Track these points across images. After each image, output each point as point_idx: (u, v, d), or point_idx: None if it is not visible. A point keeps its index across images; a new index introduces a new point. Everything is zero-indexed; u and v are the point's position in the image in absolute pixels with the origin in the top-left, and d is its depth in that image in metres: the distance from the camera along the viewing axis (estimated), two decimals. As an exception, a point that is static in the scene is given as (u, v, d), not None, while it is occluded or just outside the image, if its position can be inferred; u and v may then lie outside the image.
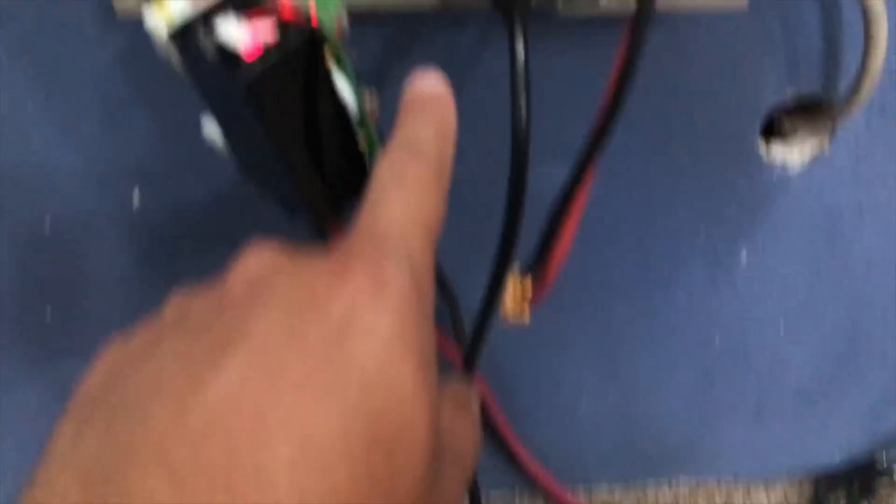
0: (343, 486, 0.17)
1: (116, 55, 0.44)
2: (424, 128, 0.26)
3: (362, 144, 0.36)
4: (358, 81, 0.35)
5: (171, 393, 0.18)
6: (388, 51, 0.46)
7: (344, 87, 0.34)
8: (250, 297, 0.20)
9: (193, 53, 0.32)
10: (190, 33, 0.32)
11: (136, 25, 0.41)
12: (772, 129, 0.55)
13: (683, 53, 0.48)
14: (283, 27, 0.32)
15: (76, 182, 0.49)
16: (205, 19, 0.32)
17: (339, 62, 0.34)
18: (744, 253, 0.59)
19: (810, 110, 0.52)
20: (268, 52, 0.30)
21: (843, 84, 0.50)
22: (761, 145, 0.53)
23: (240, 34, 0.31)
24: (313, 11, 0.33)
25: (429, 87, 0.28)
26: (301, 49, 0.31)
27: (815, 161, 0.54)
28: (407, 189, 0.23)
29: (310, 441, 0.17)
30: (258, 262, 0.22)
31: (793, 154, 0.54)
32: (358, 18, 0.43)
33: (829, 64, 0.49)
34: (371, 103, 0.37)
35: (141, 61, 0.44)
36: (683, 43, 0.47)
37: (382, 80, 0.46)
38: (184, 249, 0.54)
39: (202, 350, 0.19)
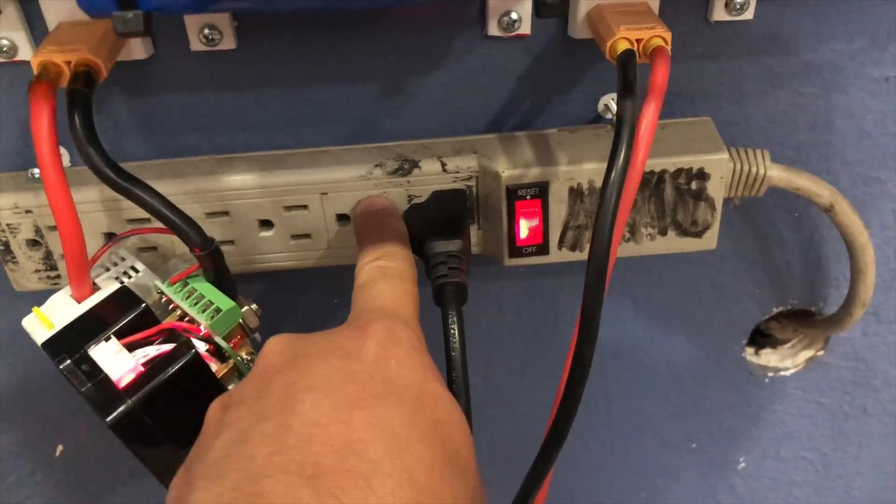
0: (425, 455, 0.22)
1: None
2: (392, 240, 0.31)
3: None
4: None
5: (262, 438, 0.22)
6: (331, 298, 0.42)
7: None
8: (292, 363, 0.25)
9: (67, 369, 0.27)
10: (60, 353, 0.28)
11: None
12: (761, 332, 0.50)
13: (664, 287, 0.44)
14: (169, 352, 0.27)
15: None
16: (82, 332, 0.28)
17: (239, 373, 0.30)
18: (741, 458, 0.54)
19: (802, 316, 0.48)
20: (141, 381, 0.26)
21: (831, 294, 0.45)
22: (750, 355, 0.48)
23: (114, 359, 0.27)
24: (206, 330, 0.29)
25: (376, 203, 0.34)
26: (184, 375, 0.27)
27: (810, 365, 0.49)
28: (389, 278, 0.29)
29: (395, 439, 0.22)
30: (284, 343, 0.26)
31: (785, 360, 0.49)
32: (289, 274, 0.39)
33: (814, 278, 0.45)
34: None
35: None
36: (661, 278, 0.43)
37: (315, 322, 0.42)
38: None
39: (273, 405, 0.23)
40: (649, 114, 0.28)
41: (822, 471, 0.55)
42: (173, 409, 0.27)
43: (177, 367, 0.27)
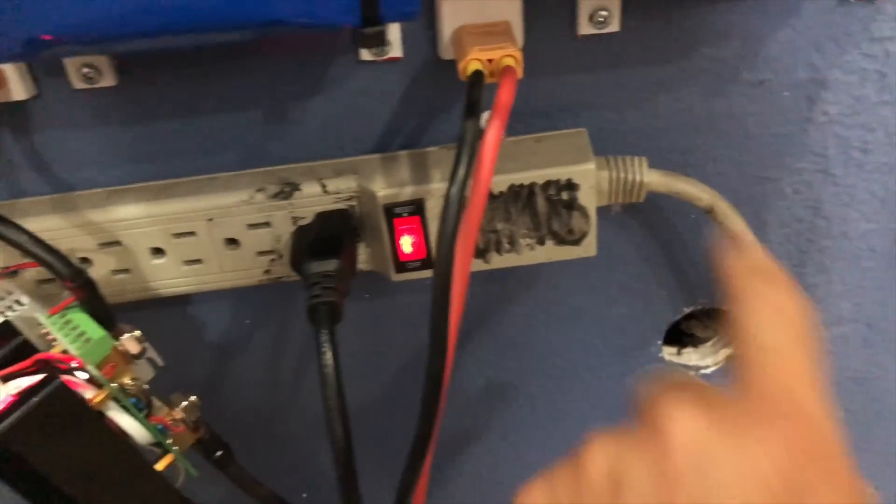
0: None
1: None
2: (786, 298, 0.26)
3: (162, 465, 0.33)
4: (147, 407, 0.32)
5: None
6: (236, 320, 0.43)
7: (126, 422, 0.31)
8: (693, 480, 0.21)
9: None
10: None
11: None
12: (683, 332, 0.51)
13: (573, 293, 0.45)
14: (41, 381, 0.29)
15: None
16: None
17: (116, 400, 0.31)
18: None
19: (716, 314, 0.49)
20: (10, 410, 0.27)
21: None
22: (668, 353, 0.49)
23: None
24: (79, 362, 0.30)
25: (763, 259, 0.29)
26: (53, 402, 0.28)
27: (731, 362, 0.50)
28: (805, 351, 0.24)
29: None
30: (694, 428, 0.22)
31: (706, 359, 0.50)
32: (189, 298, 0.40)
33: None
34: (189, 411, 0.34)
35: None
36: (569, 285, 0.44)
37: (224, 355, 0.43)
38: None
39: None
40: (492, 131, 0.29)
41: (757, 465, 0.55)
42: (48, 437, 0.28)
43: (41, 396, 0.28)
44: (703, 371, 0.50)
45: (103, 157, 0.37)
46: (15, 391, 0.28)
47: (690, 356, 0.50)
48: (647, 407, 0.24)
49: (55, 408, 0.28)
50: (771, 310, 0.25)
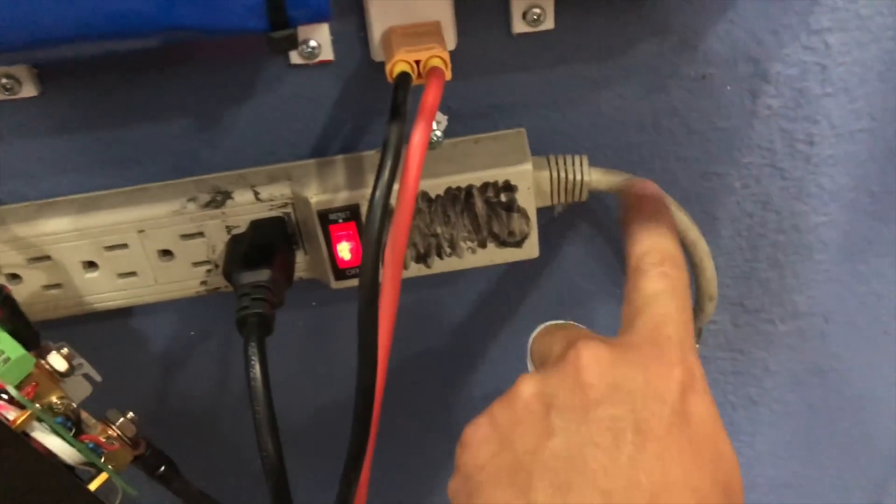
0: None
1: None
2: (669, 238, 0.32)
3: (95, 485, 0.32)
4: (75, 426, 0.31)
5: (592, 468, 0.24)
6: (179, 330, 0.42)
7: (53, 442, 0.30)
8: (613, 390, 0.26)
9: None
10: None
11: None
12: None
13: (526, 294, 0.44)
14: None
15: None
16: None
17: (41, 420, 0.30)
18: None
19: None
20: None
21: (692, 291, 0.46)
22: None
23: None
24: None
25: (651, 188, 0.35)
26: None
27: (690, 360, 0.49)
28: (677, 296, 0.30)
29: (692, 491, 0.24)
30: (596, 357, 0.27)
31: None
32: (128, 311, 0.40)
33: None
34: (126, 428, 0.33)
35: None
36: (519, 287, 0.44)
37: (167, 367, 0.43)
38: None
39: (601, 436, 0.25)
40: (418, 134, 0.28)
41: (720, 461, 0.55)
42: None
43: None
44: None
45: (29, 170, 0.36)
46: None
47: (648, 354, 0.50)
48: (557, 348, 0.29)
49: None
50: (656, 256, 0.31)
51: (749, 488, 0.56)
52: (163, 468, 0.37)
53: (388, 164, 0.27)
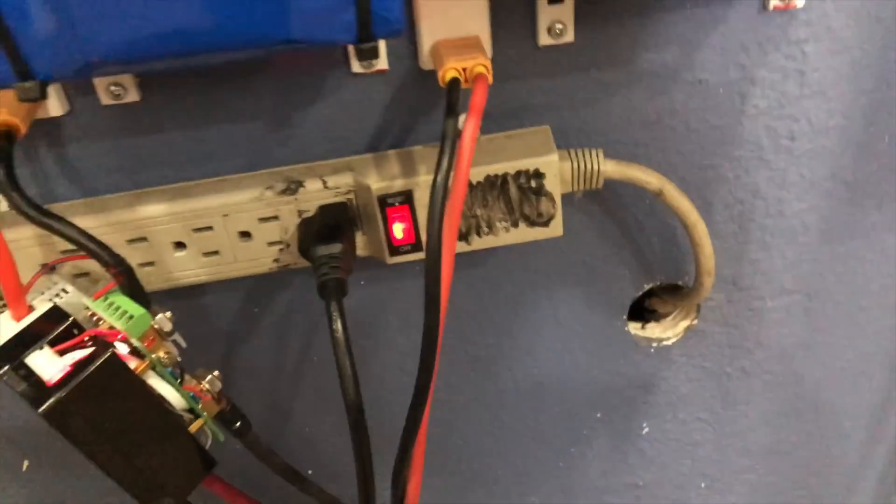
0: None
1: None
2: None
3: (194, 428, 0.38)
4: (181, 376, 0.37)
5: None
6: (248, 307, 0.48)
7: (164, 388, 0.36)
8: None
9: (7, 376, 0.33)
10: (4, 360, 0.34)
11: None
12: (646, 309, 0.56)
13: (543, 274, 0.50)
14: (91, 353, 0.33)
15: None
16: (21, 345, 0.34)
17: (154, 369, 0.36)
18: (644, 423, 0.60)
19: (674, 290, 0.54)
20: (69, 377, 0.32)
21: (691, 270, 0.52)
22: (633, 328, 0.55)
23: (46, 363, 0.33)
24: (123, 335, 0.35)
25: None
26: (105, 370, 0.33)
27: (688, 333, 0.56)
28: None
29: None
30: None
31: (667, 331, 0.56)
32: (207, 287, 0.45)
33: (674, 256, 0.51)
34: (213, 383, 0.39)
35: None
36: (539, 266, 0.50)
37: (236, 338, 0.49)
38: None
39: None
40: (469, 129, 0.34)
41: (718, 429, 0.61)
42: (100, 397, 0.33)
43: (97, 364, 0.33)
44: (664, 342, 0.56)
45: (128, 164, 0.42)
46: (71, 361, 0.33)
47: (654, 330, 0.56)
48: None
49: (107, 374, 0.34)
50: None
51: (743, 454, 0.63)
52: (239, 423, 0.43)
53: (447, 152, 0.33)
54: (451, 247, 0.35)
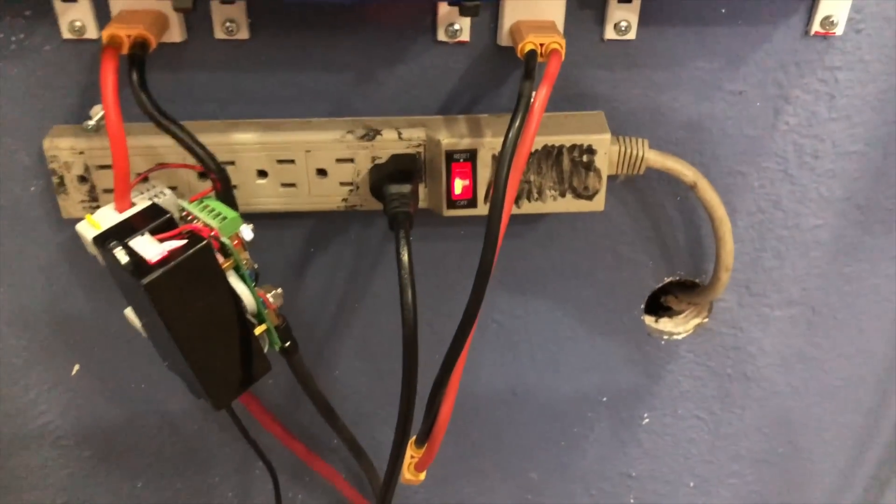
0: None
1: (62, 249, 0.51)
2: None
3: (258, 331, 0.42)
4: (255, 282, 0.42)
5: None
6: (307, 243, 0.53)
7: (238, 283, 0.41)
8: None
9: (113, 248, 0.38)
10: (109, 241, 0.38)
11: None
12: (661, 305, 0.61)
13: (573, 252, 0.55)
14: (187, 243, 0.38)
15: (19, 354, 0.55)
16: (122, 232, 0.39)
17: (237, 269, 0.40)
18: (645, 414, 0.64)
19: (692, 288, 0.59)
20: (168, 259, 0.37)
21: (710, 269, 0.56)
22: (648, 320, 0.59)
23: (147, 246, 0.37)
24: (216, 231, 0.39)
25: None
26: (199, 258, 0.38)
27: (698, 331, 0.60)
28: None
29: None
30: None
31: (678, 327, 0.60)
32: (276, 218, 0.50)
33: (696, 253, 0.56)
34: (276, 298, 0.44)
35: (81, 255, 0.50)
36: (569, 245, 0.54)
37: (293, 268, 0.53)
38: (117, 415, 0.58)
39: None
40: (542, 92, 0.39)
41: (714, 429, 0.65)
42: (191, 283, 0.38)
43: (194, 250, 0.37)
44: (675, 336, 0.60)
45: (226, 96, 0.47)
46: (170, 247, 0.38)
47: (666, 324, 0.60)
48: None
49: (200, 262, 0.38)
50: None
51: (734, 459, 0.67)
52: (288, 343, 0.47)
53: (521, 110, 0.38)
54: (511, 197, 0.40)
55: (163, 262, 0.37)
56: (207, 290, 0.39)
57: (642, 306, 0.58)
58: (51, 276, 0.52)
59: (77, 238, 0.41)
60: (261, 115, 0.47)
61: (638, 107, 0.49)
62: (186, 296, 0.38)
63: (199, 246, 0.38)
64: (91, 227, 0.40)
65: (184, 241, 0.38)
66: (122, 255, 0.37)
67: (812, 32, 0.47)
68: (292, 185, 0.46)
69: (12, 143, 0.47)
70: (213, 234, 0.39)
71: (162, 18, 0.42)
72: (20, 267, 0.51)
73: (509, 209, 0.40)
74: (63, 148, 0.45)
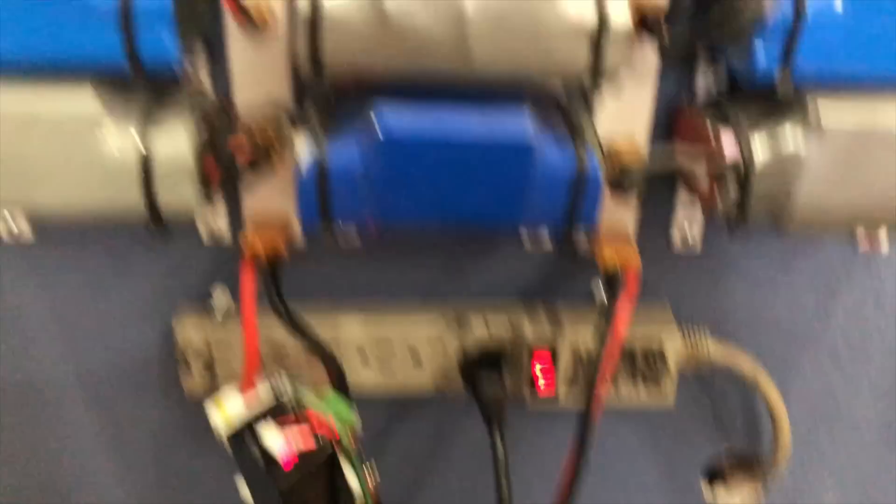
0: None
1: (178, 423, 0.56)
2: None
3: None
4: (362, 465, 0.46)
5: None
6: (392, 424, 0.58)
7: (352, 478, 0.45)
8: None
9: (244, 452, 0.42)
10: (241, 436, 0.43)
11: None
12: (718, 476, 0.64)
13: (651, 437, 0.59)
14: (315, 439, 0.43)
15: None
16: (251, 426, 0.44)
17: (350, 461, 0.45)
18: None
19: (748, 463, 0.62)
20: (300, 462, 0.42)
21: (767, 444, 0.60)
22: (707, 489, 0.63)
23: (278, 443, 0.42)
24: (334, 427, 0.44)
25: None
26: (326, 461, 0.43)
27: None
28: None
29: None
30: None
31: (734, 499, 0.63)
32: (369, 398, 0.55)
33: (753, 432, 0.60)
34: (372, 477, 0.48)
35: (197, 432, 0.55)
36: (646, 433, 0.59)
37: (386, 449, 0.58)
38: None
39: None
40: (625, 312, 0.45)
41: None
42: (313, 479, 0.43)
43: (322, 459, 0.42)
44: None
45: (329, 290, 0.53)
46: (296, 446, 0.43)
47: (721, 495, 0.64)
48: None
49: (325, 465, 0.43)
50: None
51: None
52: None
53: (609, 324, 0.44)
54: (600, 400, 0.45)
55: (296, 465, 0.42)
56: (325, 483, 0.44)
57: (700, 473, 0.62)
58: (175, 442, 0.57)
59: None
60: (374, 299, 0.53)
61: (691, 306, 0.54)
62: (307, 487, 0.43)
63: (326, 455, 0.43)
64: (220, 417, 0.45)
65: (311, 443, 0.43)
66: (257, 454, 0.42)
67: (860, 251, 0.53)
68: (390, 371, 0.52)
69: (141, 322, 0.53)
70: (335, 437, 0.44)
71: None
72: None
73: (598, 413, 0.45)
74: (195, 340, 0.50)
